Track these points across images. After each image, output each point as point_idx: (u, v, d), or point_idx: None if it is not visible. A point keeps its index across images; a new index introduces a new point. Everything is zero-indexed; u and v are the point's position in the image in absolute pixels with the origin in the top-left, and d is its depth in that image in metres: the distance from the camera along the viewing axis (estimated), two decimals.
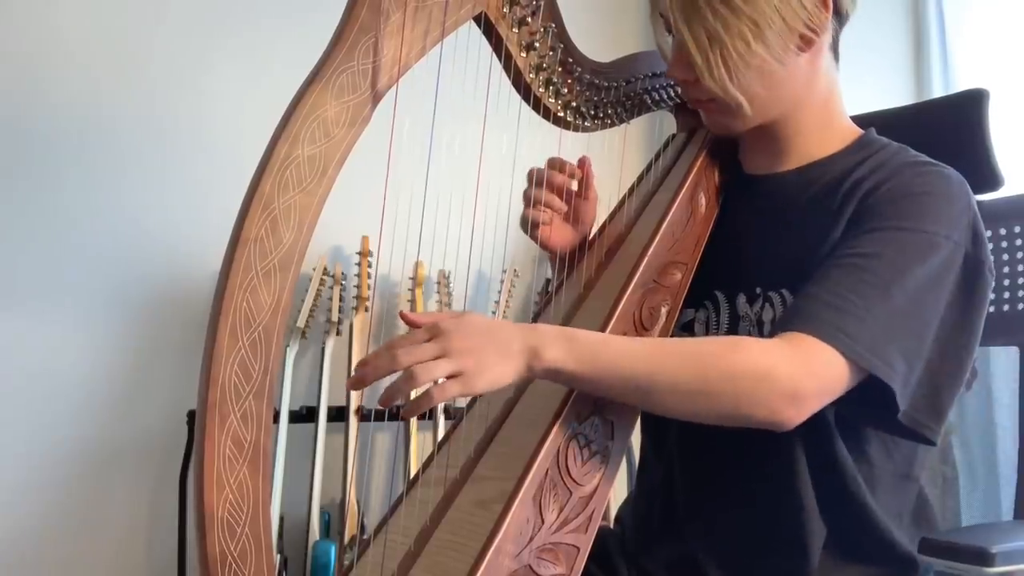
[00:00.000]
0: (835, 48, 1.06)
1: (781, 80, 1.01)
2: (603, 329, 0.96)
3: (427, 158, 1.01)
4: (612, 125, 1.17)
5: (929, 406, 0.93)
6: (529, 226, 1.13)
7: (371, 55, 0.83)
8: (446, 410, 2.02)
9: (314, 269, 1.94)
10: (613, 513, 1.34)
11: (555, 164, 1.12)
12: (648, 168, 1.23)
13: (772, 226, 1.07)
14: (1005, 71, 1.91)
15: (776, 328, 0.93)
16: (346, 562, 1.15)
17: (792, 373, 0.88)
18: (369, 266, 2.02)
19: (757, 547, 1.01)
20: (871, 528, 1.00)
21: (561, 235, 1.14)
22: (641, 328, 0.99)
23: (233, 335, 0.75)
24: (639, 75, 1.16)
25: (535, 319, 1.11)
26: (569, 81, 1.08)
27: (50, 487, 1.84)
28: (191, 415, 1.83)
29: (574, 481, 0.87)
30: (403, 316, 0.86)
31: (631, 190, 1.22)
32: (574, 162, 1.13)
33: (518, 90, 1.06)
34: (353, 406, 1.96)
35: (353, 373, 0.87)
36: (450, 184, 1.06)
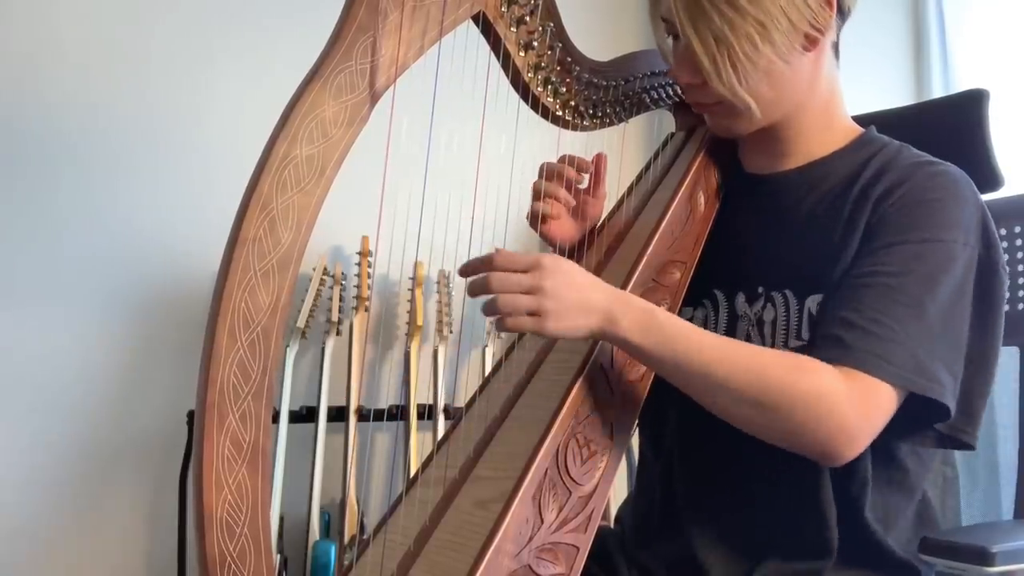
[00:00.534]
0: (836, 49, 1.06)
1: (787, 80, 1.01)
2: None
3: (426, 158, 1.01)
4: (611, 124, 1.17)
5: (962, 411, 0.95)
6: (537, 220, 1.13)
7: (369, 55, 0.83)
8: (446, 410, 2.03)
9: (314, 269, 1.94)
10: (613, 512, 1.34)
11: (568, 160, 1.12)
12: (647, 167, 1.23)
13: (774, 226, 1.07)
14: (1005, 71, 1.91)
15: (814, 353, 0.92)
16: (346, 562, 1.15)
17: (852, 414, 0.89)
18: (369, 266, 2.02)
19: (757, 545, 1.00)
20: (871, 530, 0.99)
21: (565, 230, 1.15)
22: None
23: (232, 335, 0.75)
24: (638, 74, 1.16)
25: None
26: (568, 80, 1.08)
27: (50, 487, 1.84)
28: (191, 415, 1.83)
29: (573, 481, 0.87)
30: (499, 251, 0.89)
31: (630, 189, 1.22)
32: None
33: (516, 89, 1.06)
34: (353, 406, 1.96)
35: (462, 265, 0.92)
36: (449, 184, 1.06)
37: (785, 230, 1.05)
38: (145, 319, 1.94)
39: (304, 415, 1.95)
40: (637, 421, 0.97)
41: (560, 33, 1.05)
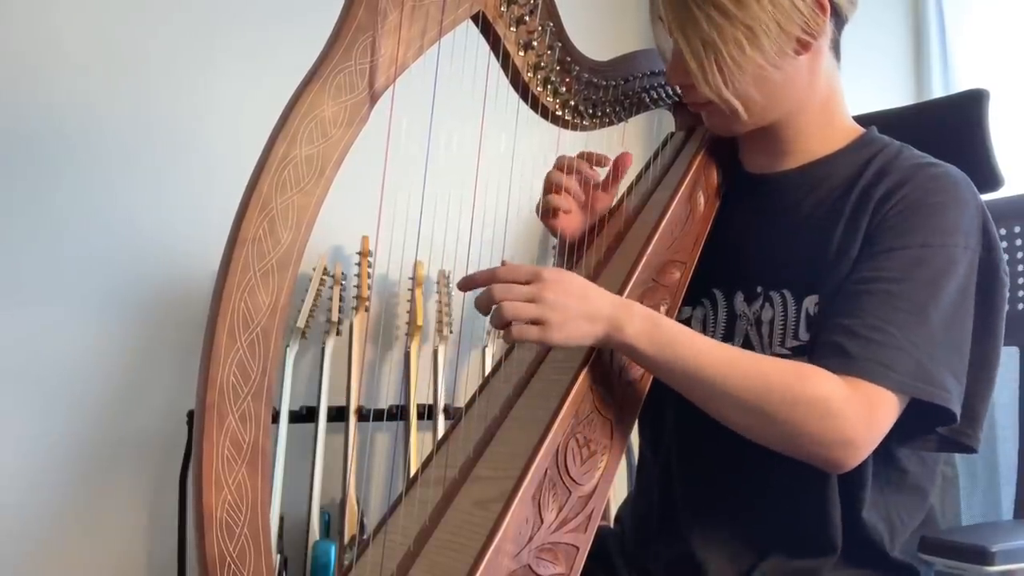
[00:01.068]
0: (836, 48, 1.06)
1: (779, 84, 1.01)
2: None
3: (425, 158, 1.01)
4: (611, 124, 1.17)
5: (964, 414, 0.94)
6: (547, 212, 1.13)
7: (368, 55, 0.83)
8: (446, 410, 2.03)
9: (314, 269, 1.94)
10: (613, 512, 1.34)
11: (589, 157, 1.13)
12: (647, 167, 1.23)
13: (774, 226, 1.07)
14: (1005, 71, 1.91)
15: (817, 361, 0.92)
16: (346, 562, 1.15)
17: (855, 422, 0.89)
18: (369, 266, 2.02)
19: (757, 545, 1.01)
20: (870, 530, 0.99)
21: (573, 224, 1.15)
22: None
23: (231, 336, 0.75)
24: (637, 73, 1.16)
25: None
26: (567, 80, 1.08)
27: (50, 487, 1.84)
28: (191, 415, 1.83)
29: (573, 481, 0.87)
30: (505, 264, 0.91)
31: (630, 188, 1.22)
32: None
33: (516, 89, 1.06)
34: (353, 406, 1.96)
35: (461, 279, 0.94)
36: (449, 184, 1.06)
37: (784, 230, 1.05)
38: (145, 319, 1.94)
39: (304, 415, 1.95)
40: (636, 421, 0.98)
41: (560, 33, 1.05)
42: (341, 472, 2.02)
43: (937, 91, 2.06)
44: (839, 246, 0.99)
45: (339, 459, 1.99)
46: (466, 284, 0.93)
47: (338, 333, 1.98)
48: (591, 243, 1.15)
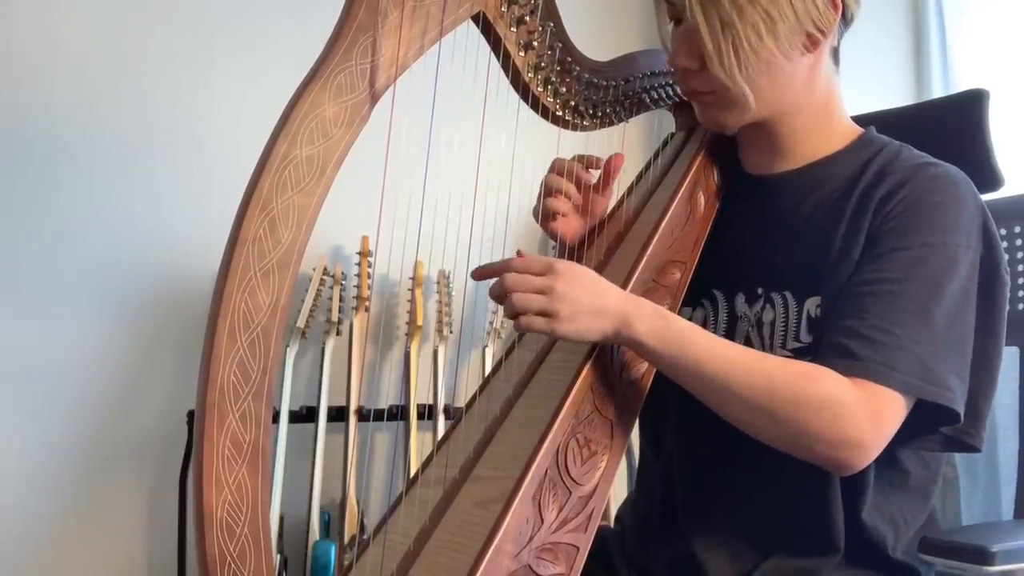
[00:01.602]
0: (836, 56, 1.06)
1: (785, 77, 1.01)
2: None
3: (426, 158, 1.01)
4: (611, 124, 1.17)
5: (967, 413, 0.94)
6: (544, 215, 1.13)
7: (369, 55, 0.83)
8: (446, 410, 2.03)
9: (314, 269, 1.94)
10: (613, 512, 1.34)
11: (583, 159, 1.13)
12: (647, 167, 1.23)
13: (775, 227, 1.07)
14: (1005, 71, 1.91)
15: (821, 363, 0.92)
16: (346, 562, 1.15)
17: (862, 423, 0.89)
18: (369, 266, 2.02)
19: (758, 545, 1.01)
20: (870, 530, 0.99)
21: (572, 226, 1.15)
22: None
23: (232, 335, 0.75)
24: (638, 74, 1.16)
25: None
26: (568, 80, 1.08)
27: (50, 487, 1.84)
28: (191, 415, 1.83)
29: (573, 481, 0.87)
30: (520, 253, 0.93)
31: (630, 189, 1.22)
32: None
33: (516, 89, 1.06)
34: (353, 406, 1.96)
35: (476, 268, 0.97)
36: (449, 184, 1.06)
37: (785, 231, 1.05)
38: (145, 319, 1.94)
39: (304, 415, 1.95)
40: (637, 421, 0.98)
41: (560, 33, 1.05)
42: (341, 472, 2.02)
43: (937, 91, 2.06)
44: (841, 248, 0.99)
45: (339, 459, 1.99)
46: (481, 273, 0.94)
47: (338, 333, 1.98)
48: (591, 244, 1.15)
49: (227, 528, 0.73)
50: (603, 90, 1.12)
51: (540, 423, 0.89)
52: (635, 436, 1.08)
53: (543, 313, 0.88)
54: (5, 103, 1.82)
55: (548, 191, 1.12)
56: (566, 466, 0.87)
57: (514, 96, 1.07)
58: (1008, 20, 1.95)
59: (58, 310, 1.85)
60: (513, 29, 1.00)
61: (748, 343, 1.03)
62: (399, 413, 2.01)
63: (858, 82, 1.32)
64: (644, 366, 0.97)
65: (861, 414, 0.89)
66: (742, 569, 1.00)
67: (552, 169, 1.13)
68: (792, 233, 1.04)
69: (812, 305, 0.99)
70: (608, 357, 0.95)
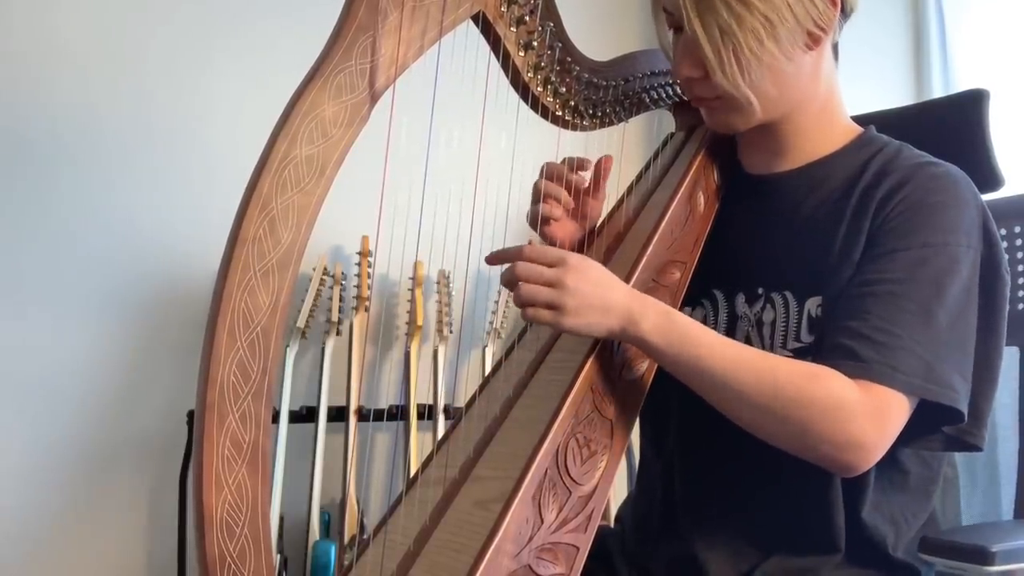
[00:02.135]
0: (835, 50, 1.06)
1: (789, 78, 1.01)
2: None
3: (426, 158, 1.01)
4: (611, 124, 1.17)
5: (970, 413, 0.94)
6: (537, 221, 1.13)
7: (369, 54, 0.83)
8: (446, 410, 2.03)
9: (314, 269, 1.94)
10: (613, 512, 1.34)
11: (571, 162, 1.13)
12: (647, 167, 1.23)
13: (775, 227, 1.07)
14: (1005, 71, 1.91)
15: (823, 364, 0.92)
16: (346, 562, 1.15)
17: (866, 424, 0.89)
18: (369, 266, 2.02)
19: (758, 544, 1.01)
20: (870, 530, 0.99)
21: (566, 230, 1.14)
22: None
23: (231, 335, 0.75)
24: (637, 74, 1.16)
25: None
26: (567, 80, 1.08)
27: (50, 487, 1.84)
28: (191, 415, 1.83)
29: (573, 481, 0.87)
30: (531, 243, 0.93)
31: (630, 189, 1.22)
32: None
33: (516, 89, 1.06)
34: (353, 406, 1.96)
35: (490, 253, 0.97)
36: (449, 184, 1.06)
37: (785, 231, 1.05)
38: (145, 319, 1.94)
39: (304, 415, 1.95)
40: (638, 420, 0.98)
41: (560, 33, 1.05)
42: (341, 472, 2.02)
43: (937, 91, 2.06)
44: (842, 248, 0.99)
45: (339, 459, 1.99)
46: (495, 258, 0.94)
47: (338, 333, 1.98)
48: (590, 245, 1.15)
49: (227, 528, 0.73)
50: (603, 90, 1.12)
51: (540, 423, 0.89)
52: (635, 436, 1.08)
53: (550, 305, 0.89)
54: (5, 103, 1.82)
55: (540, 196, 1.12)
56: (566, 466, 0.87)
57: (514, 96, 1.07)
58: (1008, 20, 1.95)
59: (58, 310, 1.85)
60: (513, 29, 1.00)
61: (748, 343, 1.02)
62: (399, 413, 2.01)
63: (858, 82, 1.32)
64: (644, 366, 0.97)
65: (866, 416, 0.89)
66: (742, 568, 1.00)
67: (542, 174, 1.13)
68: (793, 233, 1.04)
69: (813, 305, 0.99)
70: (608, 357, 0.95)
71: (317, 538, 1.87)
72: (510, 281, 0.91)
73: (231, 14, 2.02)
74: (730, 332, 1.05)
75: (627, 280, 1.01)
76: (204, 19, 2.00)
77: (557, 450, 0.87)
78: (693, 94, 1.06)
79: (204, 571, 0.72)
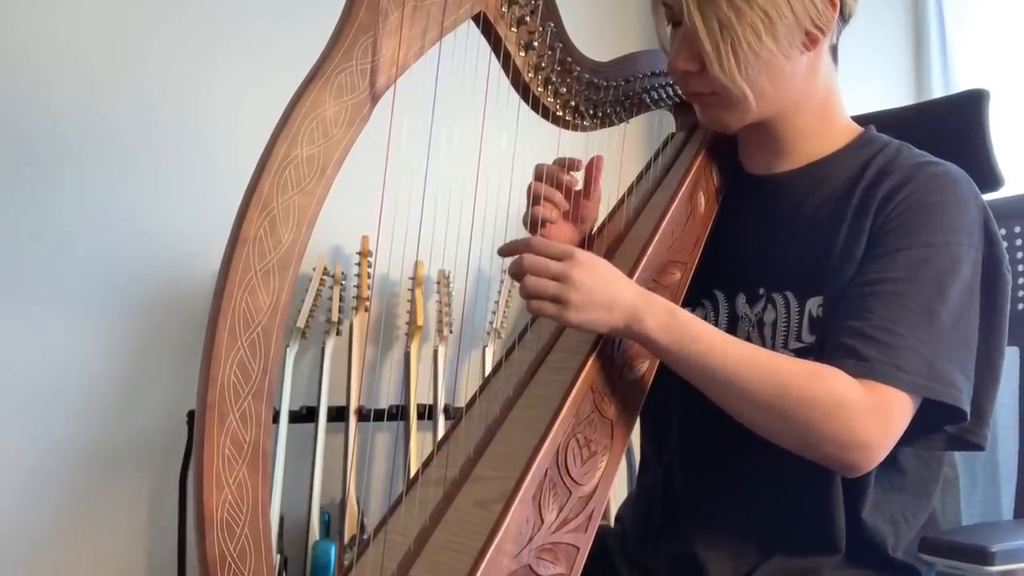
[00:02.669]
0: (835, 52, 1.06)
1: (785, 76, 1.01)
2: None
3: (426, 158, 1.01)
4: (611, 124, 1.17)
5: (972, 412, 0.94)
6: (533, 224, 1.12)
7: (369, 55, 0.83)
8: (446, 410, 2.03)
9: (314, 269, 1.94)
10: (613, 512, 1.34)
11: (562, 162, 1.12)
12: (647, 167, 1.23)
13: (776, 227, 1.07)
14: (1005, 71, 1.91)
15: (827, 363, 0.92)
16: (346, 562, 1.15)
17: (870, 424, 0.89)
18: (369, 266, 2.02)
19: (759, 544, 1.01)
20: (871, 530, 0.99)
21: (563, 233, 1.14)
22: None
23: (232, 335, 0.75)
24: (638, 74, 1.16)
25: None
26: (568, 80, 1.08)
27: (50, 487, 1.84)
28: (191, 415, 1.83)
29: (573, 481, 0.87)
30: (539, 236, 0.94)
31: (630, 189, 1.22)
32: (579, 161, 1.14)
33: (517, 89, 1.06)
34: (353, 406, 1.96)
35: (503, 244, 0.96)
36: (449, 184, 1.06)
37: (786, 231, 1.05)
38: (146, 319, 1.94)
39: (304, 415, 1.95)
40: (638, 420, 0.98)
41: (560, 33, 1.05)
42: (341, 472, 2.02)
43: (937, 91, 2.06)
44: (843, 248, 0.99)
45: (339, 459, 1.99)
46: (507, 249, 0.95)
47: (338, 333, 1.98)
48: (591, 245, 1.15)
49: (227, 528, 0.73)
50: (603, 90, 1.12)
51: (540, 423, 0.89)
52: (635, 436, 1.08)
53: (555, 299, 0.89)
54: (7, 103, 1.82)
55: (534, 199, 1.11)
56: (566, 466, 0.87)
57: (514, 96, 1.07)
58: (1008, 20, 1.95)
59: (59, 309, 1.85)
60: (513, 29, 1.00)
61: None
62: (399, 413, 2.01)
63: (858, 82, 1.32)
64: (645, 366, 0.97)
65: (869, 415, 0.89)
66: (742, 568, 1.00)
67: (535, 175, 1.13)
68: (794, 233, 1.04)
69: (814, 305, 0.99)
70: (609, 357, 0.95)
71: (317, 538, 1.87)
72: (517, 273, 0.91)
73: (232, 14, 2.02)
74: (731, 332, 1.04)
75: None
76: (205, 19, 2.00)
77: (557, 450, 0.87)
78: (688, 89, 1.06)
79: (204, 571, 0.72)
